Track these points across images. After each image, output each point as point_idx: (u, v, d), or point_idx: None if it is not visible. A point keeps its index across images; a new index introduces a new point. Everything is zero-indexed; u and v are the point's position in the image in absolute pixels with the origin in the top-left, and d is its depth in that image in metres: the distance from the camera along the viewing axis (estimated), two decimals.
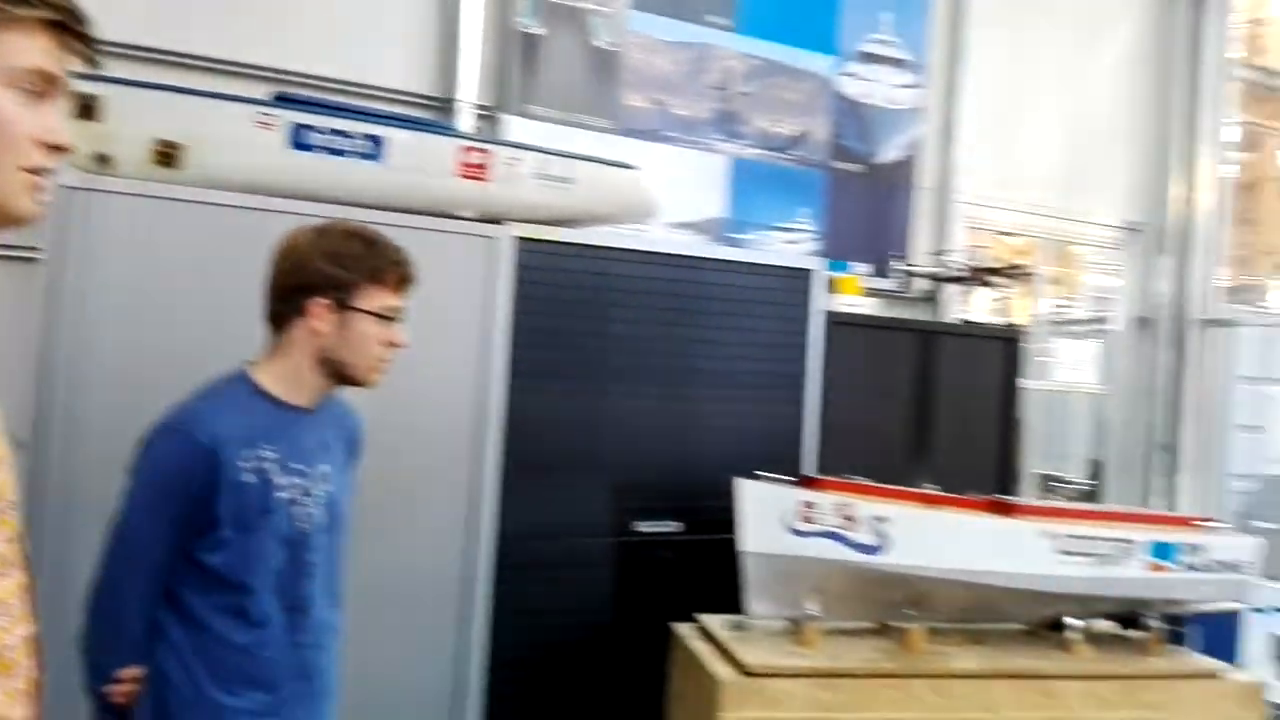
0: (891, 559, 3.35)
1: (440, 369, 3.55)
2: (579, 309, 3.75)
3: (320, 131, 3.39)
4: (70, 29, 1.20)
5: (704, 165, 4.83)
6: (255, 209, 3.21)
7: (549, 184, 3.57)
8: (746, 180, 4.90)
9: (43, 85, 1.18)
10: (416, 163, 3.53)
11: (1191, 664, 3.55)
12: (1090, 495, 6.52)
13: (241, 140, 3.33)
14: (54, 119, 1.20)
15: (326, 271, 2.25)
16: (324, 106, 3.57)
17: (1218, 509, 6.37)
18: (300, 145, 3.37)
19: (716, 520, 3.98)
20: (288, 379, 2.30)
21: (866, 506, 3.36)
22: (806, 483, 3.53)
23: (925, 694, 3.20)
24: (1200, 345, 6.30)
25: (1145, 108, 6.33)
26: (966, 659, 3.35)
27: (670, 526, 3.97)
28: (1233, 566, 3.60)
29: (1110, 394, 6.33)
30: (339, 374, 2.33)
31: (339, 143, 3.41)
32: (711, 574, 3.97)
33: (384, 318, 2.31)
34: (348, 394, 2.48)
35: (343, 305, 2.26)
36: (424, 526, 3.56)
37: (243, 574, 2.22)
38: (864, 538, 3.35)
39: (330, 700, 2.45)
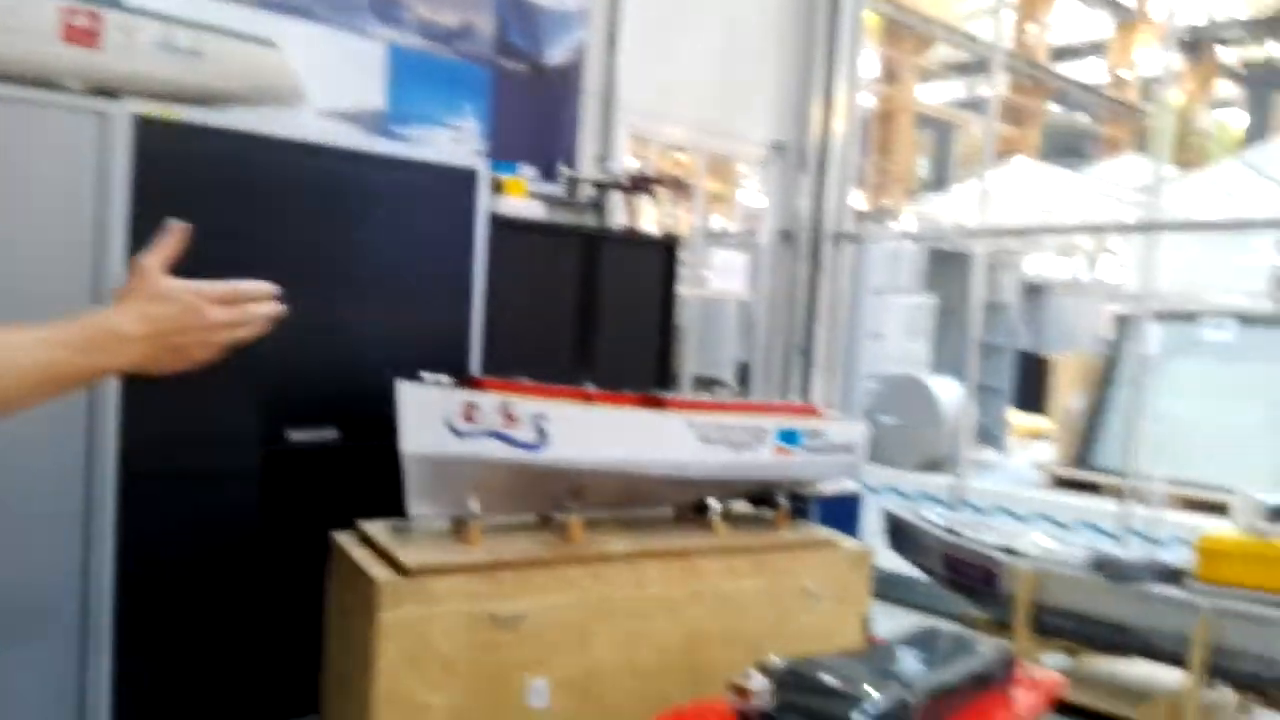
0: (551, 454, 3.44)
1: (43, 261, 3.12)
2: (217, 201, 3.43)
3: None
4: None
5: (358, 51, 4.54)
6: None
7: (173, 56, 3.19)
8: (407, 72, 4.68)
9: None
10: (10, 21, 3.02)
11: (812, 536, 3.99)
12: (740, 395, 7.10)
13: None
14: None
15: None
16: None
17: (847, 406, 7.17)
18: None
19: (378, 427, 3.88)
20: None
21: (527, 405, 3.41)
22: (468, 383, 3.52)
23: (581, 578, 3.35)
24: (834, 259, 6.96)
25: (791, 32, 6.77)
26: (619, 543, 3.54)
27: (327, 435, 3.81)
28: (846, 448, 4.07)
29: (757, 302, 6.88)
30: None
31: None
32: (374, 481, 3.89)
33: None
34: None
35: None
36: (32, 437, 3.15)
37: None
38: (525, 435, 3.41)
39: None
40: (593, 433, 3.53)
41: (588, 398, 3.62)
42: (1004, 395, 14.71)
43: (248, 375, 3.58)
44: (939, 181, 23.14)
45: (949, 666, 2.78)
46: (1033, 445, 15.02)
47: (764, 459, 3.84)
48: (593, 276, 4.79)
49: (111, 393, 3.27)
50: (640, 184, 5.36)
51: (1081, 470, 12.01)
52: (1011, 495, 9.71)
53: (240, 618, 3.62)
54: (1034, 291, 20.52)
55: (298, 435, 3.73)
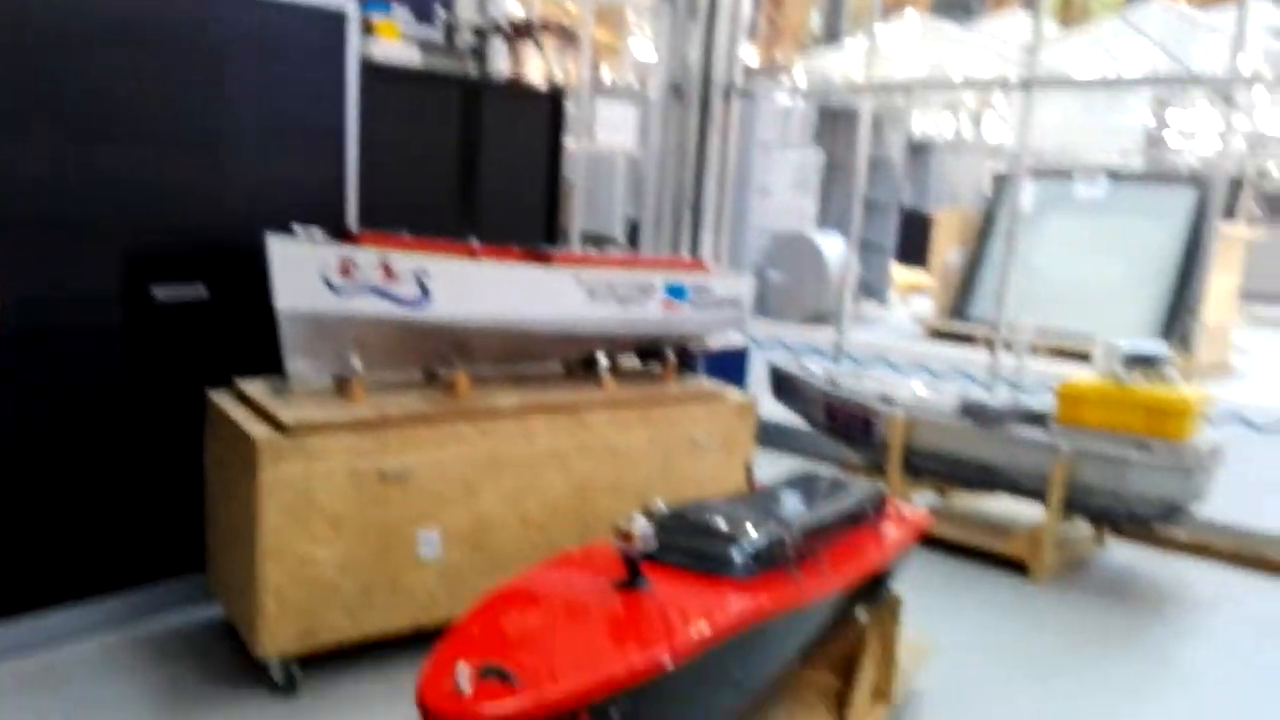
0: (434, 311, 3.37)
1: None
2: (62, 48, 3.14)
3: None
4: None
5: None
6: None
7: None
8: None
9: None
10: None
11: (699, 389, 4.06)
12: (629, 251, 7.05)
13: None
14: None
15: None
16: None
17: (735, 261, 7.21)
18: None
19: (250, 283, 3.73)
20: None
21: (407, 260, 3.31)
22: (345, 238, 3.39)
23: (468, 433, 3.35)
24: (724, 114, 6.85)
25: None
26: (507, 398, 3.53)
27: (196, 292, 3.64)
28: (732, 303, 4.11)
29: (646, 157, 6.76)
30: None
31: None
32: (250, 339, 3.76)
33: None
34: None
35: None
36: None
37: None
38: (406, 292, 3.32)
39: None
40: (477, 289, 3.46)
41: (472, 253, 3.54)
42: (888, 251, 15.08)
43: (110, 232, 3.38)
44: (831, 36, 22.92)
45: (824, 506, 2.91)
46: (914, 299, 15.57)
47: (651, 314, 3.85)
48: (474, 129, 4.61)
49: None
50: (524, 31, 5.12)
51: (957, 322, 12.53)
52: (891, 347, 10.08)
53: (115, 479, 3.52)
54: (919, 149, 20.82)
55: (163, 292, 3.55)
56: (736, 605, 2.18)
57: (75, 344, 3.36)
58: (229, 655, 3.42)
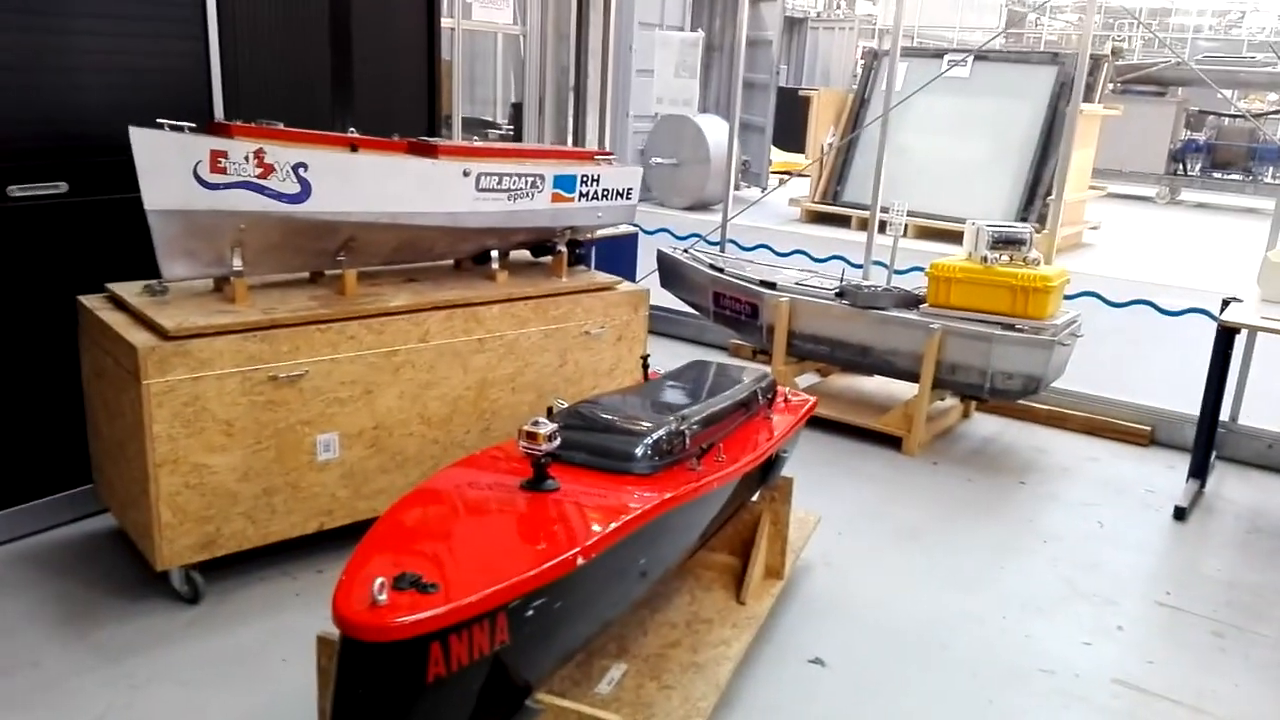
0: (314, 206, 3.24)
1: None
2: None
3: None
4: None
5: None
6: None
7: None
8: None
9: None
10: None
11: (592, 280, 4.07)
12: (512, 137, 6.87)
13: None
14: None
15: None
16: None
17: (617, 146, 7.13)
18: None
19: (112, 177, 3.52)
20: None
21: (284, 153, 3.16)
22: (215, 130, 3.20)
23: (361, 334, 3.29)
24: None
25: None
26: (399, 297, 3.47)
27: (54, 188, 3.41)
28: (623, 194, 4.10)
29: (528, 36, 6.54)
30: None
31: None
32: (117, 238, 3.57)
33: None
34: None
35: None
36: None
37: None
38: (284, 186, 3.18)
39: None
40: (360, 182, 3.34)
41: (353, 145, 3.40)
42: (766, 133, 15.14)
43: None
44: None
45: (718, 396, 3.00)
46: (791, 181, 15.74)
47: (541, 206, 3.81)
48: (345, 8, 4.35)
49: None
50: None
51: (833, 206, 12.79)
52: (772, 231, 10.25)
53: None
54: (792, 25, 20.73)
55: (19, 191, 3.31)
56: (641, 501, 2.26)
57: None
58: (125, 565, 3.36)
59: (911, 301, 5.00)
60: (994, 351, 4.61)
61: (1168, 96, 19.26)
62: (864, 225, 12.55)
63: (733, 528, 3.26)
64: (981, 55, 12.52)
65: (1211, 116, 19.52)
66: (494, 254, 3.86)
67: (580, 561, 1.96)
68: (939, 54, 13.45)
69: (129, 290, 3.28)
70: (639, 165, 4.24)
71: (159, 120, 3.05)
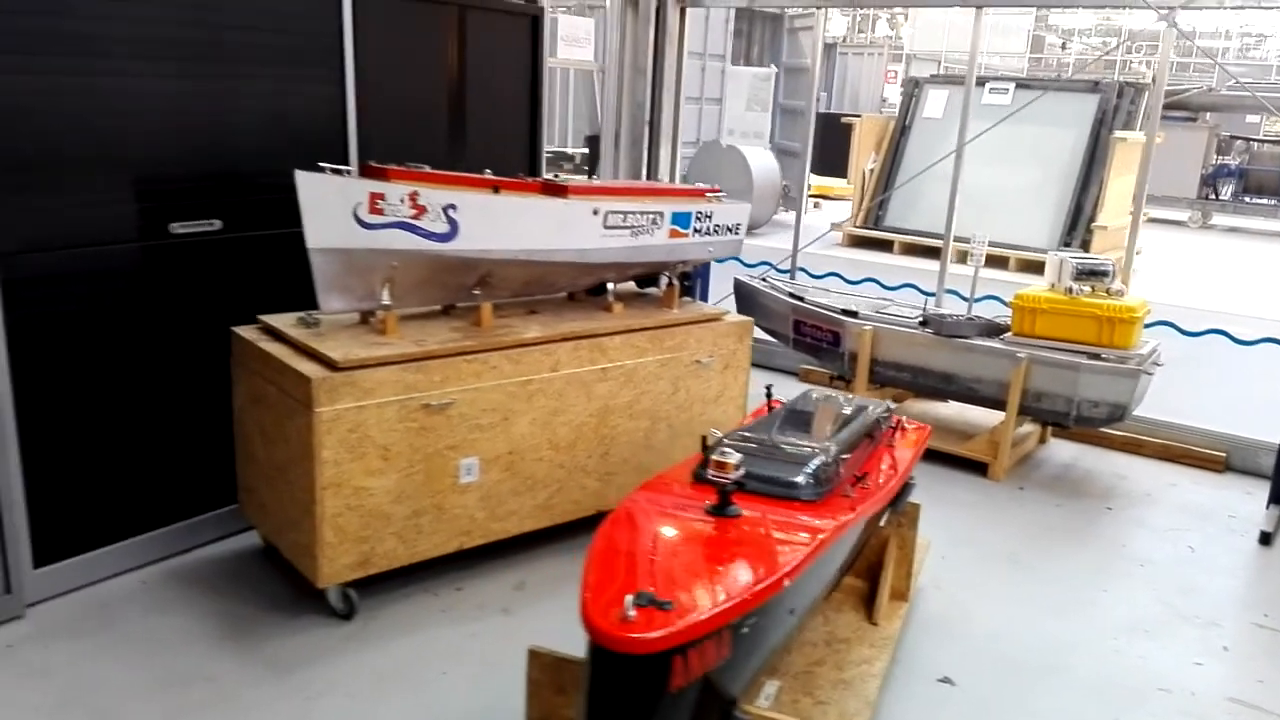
0: (462, 244, 3.43)
1: None
2: None
3: None
4: None
5: None
6: None
7: None
8: None
9: None
10: None
11: (700, 311, 4.24)
12: (589, 169, 7.03)
13: None
14: None
15: None
16: None
17: (673, 174, 7.29)
18: None
19: (261, 215, 3.73)
20: None
21: (436, 195, 3.35)
22: (370, 172, 3.40)
23: (502, 364, 3.47)
24: (678, 24, 6.83)
25: None
26: (531, 329, 3.65)
27: (209, 225, 3.61)
28: (732, 229, 4.28)
29: (605, 71, 6.74)
30: None
31: None
32: (262, 272, 3.77)
33: None
34: None
35: None
36: None
37: None
38: (435, 226, 3.38)
39: None
40: (501, 222, 3.53)
41: (495, 186, 3.59)
42: (807, 159, 15.32)
43: (117, 164, 3.32)
44: None
45: (852, 425, 3.16)
46: (828, 206, 15.93)
47: (660, 242, 3.99)
48: (462, 51, 4.56)
49: None
50: None
51: (875, 230, 12.95)
52: (813, 256, 10.39)
53: (142, 415, 3.53)
54: (825, 51, 20.98)
55: (180, 228, 3.52)
56: (819, 525, 2.42)
57: (97, 283, 3.33)
58: (274, 582, 3.54)
59: (994, 330, 5.14)
60: (1081, 380, 4.75)
61: (1199, 121, 19.37)
62: (908, 250, 12.63)
63: (861, 551, 3.41)
64: (1024, 84, 12.70)
65: (1240, 141, 19.61)
66: (610, 286, 4.04)
67: (786, 584, 2.12)
68: (980, 82, 13.61)
69: (283, 321, 3.47)
70: (748, 205, 4.42)
71: (320, 164, 3.25)
